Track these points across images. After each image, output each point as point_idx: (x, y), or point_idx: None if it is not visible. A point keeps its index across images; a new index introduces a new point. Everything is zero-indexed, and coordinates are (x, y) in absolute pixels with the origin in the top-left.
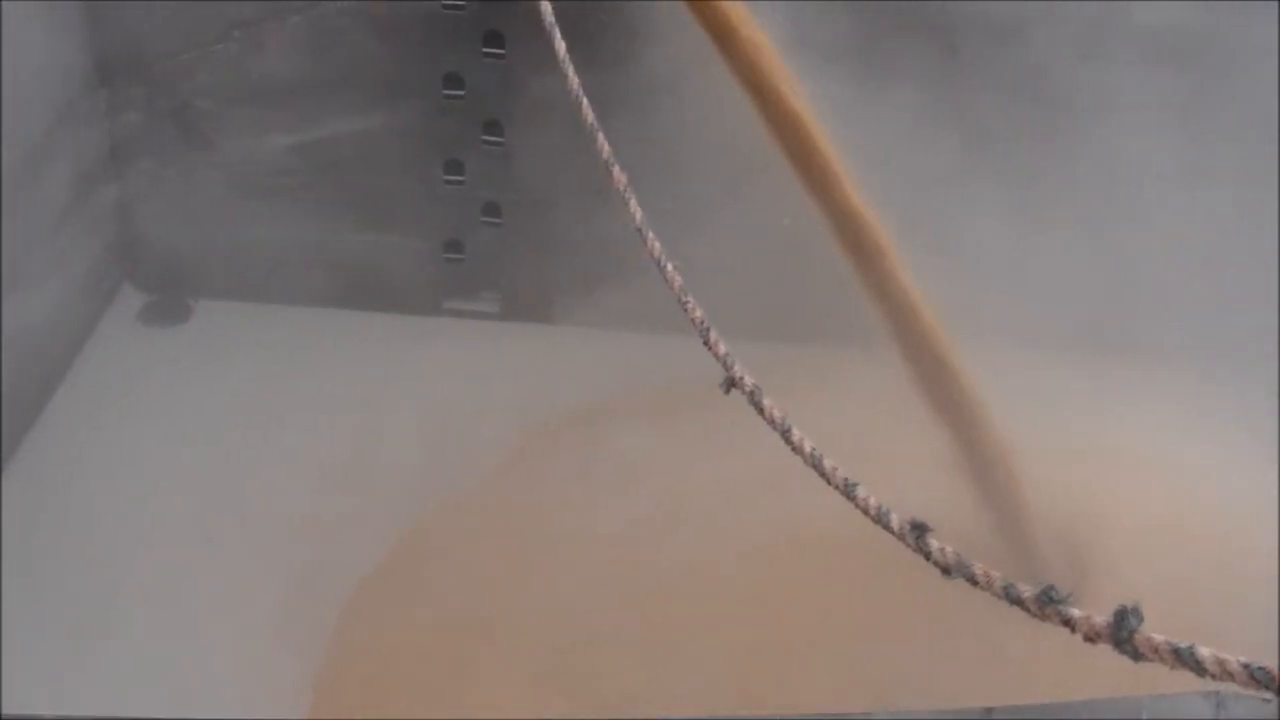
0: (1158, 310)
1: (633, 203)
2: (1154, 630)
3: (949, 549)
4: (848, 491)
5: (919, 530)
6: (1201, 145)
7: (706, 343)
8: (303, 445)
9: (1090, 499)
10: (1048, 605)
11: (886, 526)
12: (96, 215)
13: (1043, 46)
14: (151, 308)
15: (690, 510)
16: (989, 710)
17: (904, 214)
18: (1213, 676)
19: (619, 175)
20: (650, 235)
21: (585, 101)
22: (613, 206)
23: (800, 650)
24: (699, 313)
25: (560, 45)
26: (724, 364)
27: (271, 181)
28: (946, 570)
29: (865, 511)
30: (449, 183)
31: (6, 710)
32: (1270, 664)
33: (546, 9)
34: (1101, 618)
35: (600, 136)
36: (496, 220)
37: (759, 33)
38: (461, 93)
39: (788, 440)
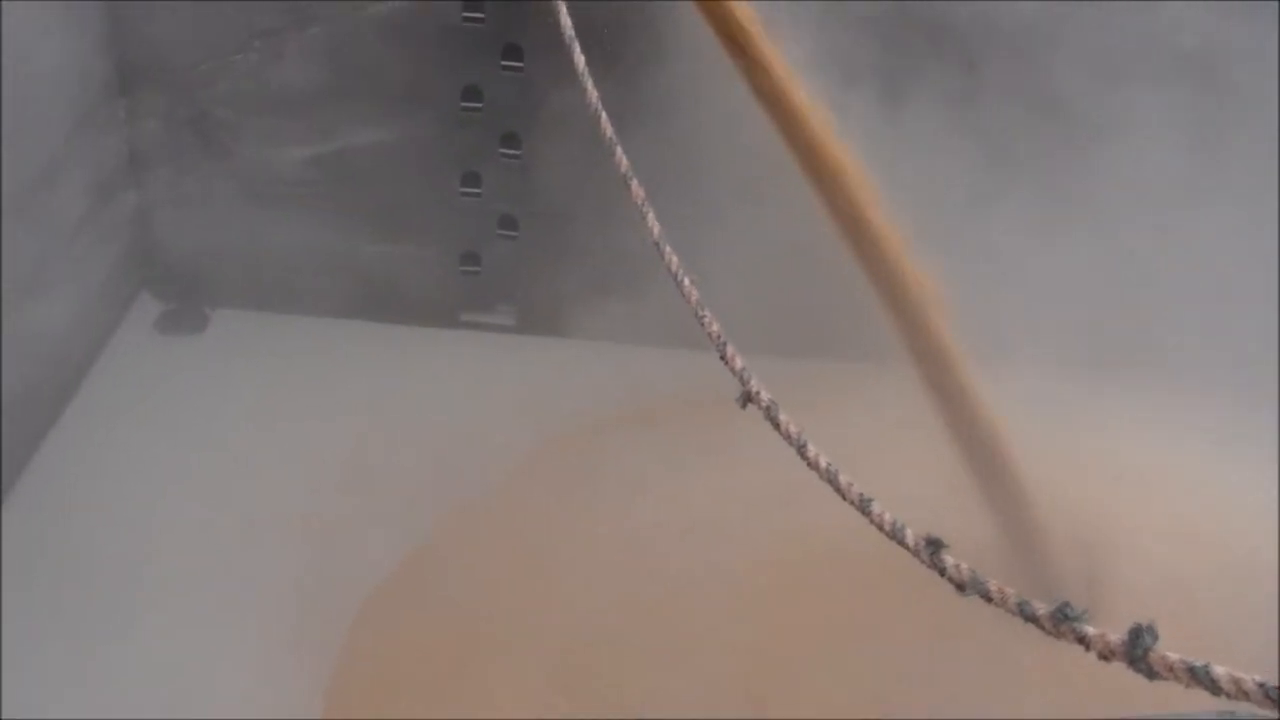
0: (1172, 325)
1: (650, 216)
2: (1167, 646)
3: (963, 565)
4: (863, 507)
5: (934, 546)
6: (1220, 164)
7: (723, 357)
8: (317, 454)
9: (1102, 512)
10: (1062, 623)
11: (902, 542)
12: (114, 223)
13: (1064, 64)
14: (169, 316)
15: (700, 521)
16: None
17: (922, 230)
18: (1227, 695)
19: (637, 189)
20: (668, 249)
21: (604, 115)
22: (629, 220)
23: (807, 661)
24: (716, 327)
25: (580, 58)
26: (740, 378)
27: (289, 191)
28: (961, 587)
29: (880, 527)
30: (466, 195)
31: (7, 713)
32: None
33: (567, 23)
34: (1116, 636)
35: (619, 150)
36: (513, 233)
37: (772, 46)
38: (479, 105)
39: (803, 455)
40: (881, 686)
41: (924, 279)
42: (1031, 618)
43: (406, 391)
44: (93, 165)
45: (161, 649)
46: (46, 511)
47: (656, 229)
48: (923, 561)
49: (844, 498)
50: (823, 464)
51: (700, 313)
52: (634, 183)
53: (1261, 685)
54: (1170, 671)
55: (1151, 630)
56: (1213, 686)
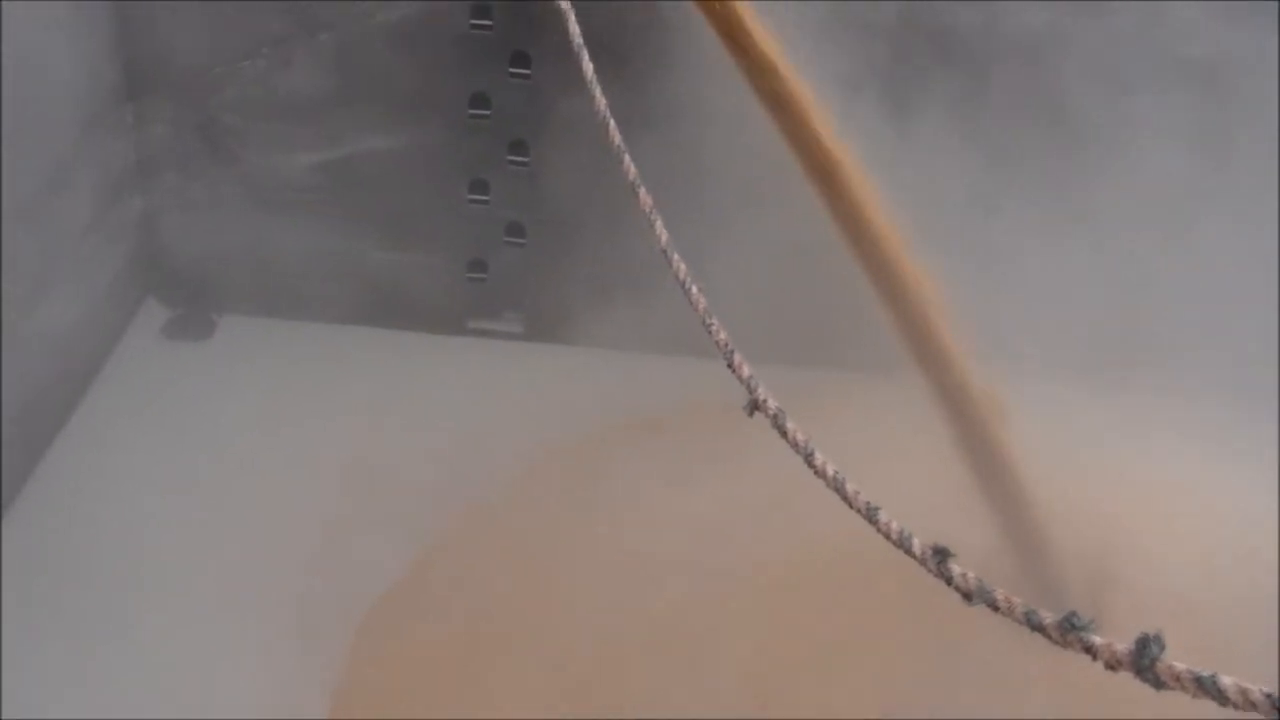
0: (1173, 328)
1: (658, 224)
2: (1173, 655)
3: (970, 574)
4: (870, 515)
5: (941, 555)
6: (1221, 167)
7: (731, 365)
8: (324, 459)
9: (1103, 515)
10: (1069, 632)
11: (909, 551)
12: (121, 228)
13: (1069, 71)
14: (175, 322)
15: (706, 528)
16: None
17: (923, 231)
18: (1235, 706)
19: (645, 197)
20: (676, 257)
21: (612, 122)
22: (637, 227)
23: (812, 668)
24: (723, 335)
25: (588, 66)
26: (748, 386)
27: (297, 198)
28: (968, 596)
29: (887, 536)
30: (473, 202)
31: (7, 713)
32: None
33: (575, 30)
34: (1123, 645)
35: (627, 158)
36: (520, 240)
37: (775, 47)
38: (487, 112)
39: (810, 463)
40: (886, 696)
41: (924, 279)
42: (1039, 627)
43: (413, 398)
44: (100, 170)
45: (166, 653)
46: (52, 515)
47: (664, 236)
48: (929, 570)
49: (851, 506)
50: (830, 472)
51: (707, 320)
52: (642, 190)
53: (1269, 696)
54: (1177, 681)
55: (1159, 640)
56: (1220, 697)
